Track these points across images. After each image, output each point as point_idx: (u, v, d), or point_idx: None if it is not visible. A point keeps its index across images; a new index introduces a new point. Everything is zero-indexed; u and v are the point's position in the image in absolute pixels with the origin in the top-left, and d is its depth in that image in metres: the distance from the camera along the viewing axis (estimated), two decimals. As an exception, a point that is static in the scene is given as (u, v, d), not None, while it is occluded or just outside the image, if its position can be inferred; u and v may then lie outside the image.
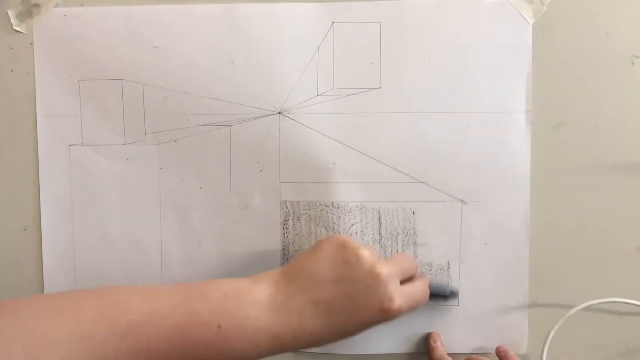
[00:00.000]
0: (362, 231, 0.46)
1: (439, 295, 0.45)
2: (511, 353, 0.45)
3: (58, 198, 0.46)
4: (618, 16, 0.44)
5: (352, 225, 0.46)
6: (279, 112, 0.45)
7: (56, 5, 0.45)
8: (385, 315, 0.36)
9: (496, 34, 0.45)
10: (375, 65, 0.45)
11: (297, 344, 0.36)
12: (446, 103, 0.45)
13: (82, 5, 0.45)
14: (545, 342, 0.43)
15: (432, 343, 0.45)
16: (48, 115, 0.46)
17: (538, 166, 0.45)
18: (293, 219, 0.46)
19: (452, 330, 0.46)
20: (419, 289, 0.40)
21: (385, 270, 0.36)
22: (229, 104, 0.45)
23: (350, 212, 0.46)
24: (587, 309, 0.43)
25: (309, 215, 0.46)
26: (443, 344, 0.46)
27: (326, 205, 0.46)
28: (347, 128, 0.45)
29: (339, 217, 0.46)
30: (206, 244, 0.46)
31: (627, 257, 0.45)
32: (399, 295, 0.36)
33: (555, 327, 0.43)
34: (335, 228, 0.46)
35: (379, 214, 0.46)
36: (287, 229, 0.46)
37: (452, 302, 0.46)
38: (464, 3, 0.44)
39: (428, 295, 0.41)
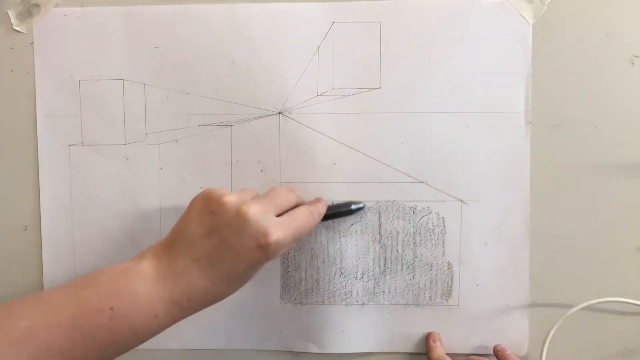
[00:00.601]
0: (362, 230, 0.46)
1: (343, 212, 0.45)
2: (508, 352, 0.45)
3: (58, 198, 0.46)
4: (618, 16, 0.44)
5: (352, 224, 0.46)
6: (280, 112, 0.45)
7: (56, 5, 0.45)
8: (266, 250, 0.36)
9: (496, 34, 0.45)
10: (375, 65, 0.45)
11: (196, 304, 0.36)
12: (446, 103, 0.45)
13: (82, 5, 0.45)
14: (544, 342, 0.43)
15: (431, 343, 0.45)
16: (48, 115, 0.46)
17: (538, 166, 0.45)
18: (293, 219, 0.46)
19: (452, 330, 0.46)
20: (298, 214, 0.39)
21: (253, 208, 0.36)
22: (230, 104, 0.45)
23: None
24: (587, 308, 0.43)
25: (309, 215, 0.46)
26: (442, 344, 0.46)
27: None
28: (347, 128, 0.45)
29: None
30: (206, 244, 0.46)
31: (627, 257, 0.45)
32: (275, 228, 0.36)
33: (555, 327, 0.43)
34: (336, 228, 0.46)
35: (379, 214, 0.46)
36: (287, 229, 0.46)
37: (359, 214, 0.46)
38: (464, 3, 0.44)
39: (314, 218, 0.40)
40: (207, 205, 0.37)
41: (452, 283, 0.46)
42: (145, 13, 0.45)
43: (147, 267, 0.36)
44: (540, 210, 0.45)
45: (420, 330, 0.46)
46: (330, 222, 0.46)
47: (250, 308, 0.47)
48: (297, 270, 0.46)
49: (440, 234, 0.46)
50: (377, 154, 0.46)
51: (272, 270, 0.46)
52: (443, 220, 0.46)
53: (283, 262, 0.46)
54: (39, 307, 0.33)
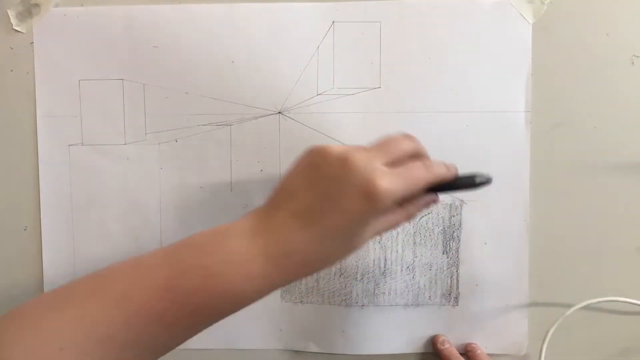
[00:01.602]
0: (362, 231, 0.46)
1: (465, 184, 0.37)
2: (479, 351, 0.45)
3: (58, 198, 0.46)
4: (618, 16, 0.44)
5: (352, 225, 0.46)
6: (279, 112, 0.45)
7: (56, 5, 0.45)
8: (372, 200, 0.31)
9: (496, 34, 0.45)
10: (375, 65, 0.45)
11: (295, 265, 0.33)
12: (446, 103, 0.45)
13: (82, 5, 0.45)
14: (544, 341, 0.43)
15: (440, 346, 0.45)
16: (48, 115, 0.46)
17: (538, 166, 0.45)
18: (293, 219, 0.46)
19: (452, 331, 0.46)
20: (413, 165, 0.34)
21: (358, 155, 0.32)
22: (230, 103, 0.45)
23: (351, 212, 0.46)
24: (586, 308, 0.43)
25: (309, 215, 0.46)
26: (451, 344, 0.45)
27: (326, 205, 0.46)
28: (347, 128, 0.45)
29: (339, 217, 0.46)
30: (206, 243, 0.46)
31: (627, 257, 0.45)
32: (383, 176, 0.31)
33: (554, 327, 0.43)
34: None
35: (379, 214, 0.46)
36: (287, 228, 0.46)
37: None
38: (464, 3, 0.44)
39: (428, 174, 0.34)
40: (311, 157, 0.34)
41: (451, 283, 0.46)
42: (145, 13, 0.45)
43: (244, 223, 0.33)
44: (540, 210, 0.45)
45: (420, 331, 0.46)
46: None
47: (251, 307, 0.47)
48: (297, 270, 0.46)
49: (440, 234, 0.46)
50: (377, 154, 0.46)
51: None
52: (443, 220, 0.46)
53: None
54: (135, 269, 0.32)
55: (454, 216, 0.46)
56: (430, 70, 0.45)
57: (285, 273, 0.33)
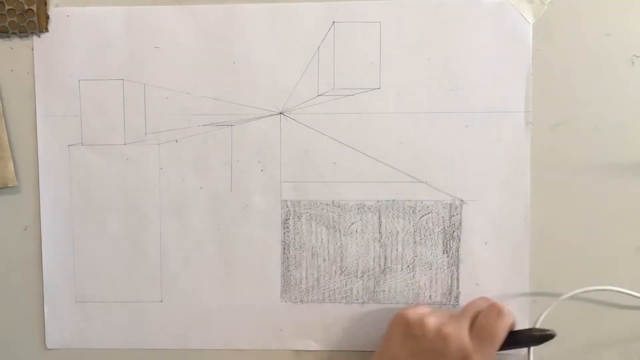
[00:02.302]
0: (362, 230, 0.46)
1: (525, 342, 0.42)
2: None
3: (58, 198, 0.46)
4: (618, 16, 0.44)
5: (352, 224, 0.46)
6: (280, 113, 0.45)
7: (57, 5, 0.45)
8: None
9: (496, 34, 0.45)
10: (375, 65, 0.45)
11: None
12: (446, 103, 0.45)
13: (82, 5, 0.45)
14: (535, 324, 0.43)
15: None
16: (48, 115, 0.46)
17: (538, 166, 0.45)
18: (294, 219, 0.46)
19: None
20: (492, 325, 0.39)
21: (452, 328, 0.38)
22: (230, 104, 0.45)
23: (351, 211, 0.46)
24: (575, 298, 0.44)
25: (310, 215, 0.46)
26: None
27: (327, 205, 0.46)
28: (347, 128, 0.45)
29: (340, 216, 0.46)
30: (206, 244, 0.46)
31: (627, 258, 0.45)
32: (474, 349, 0.37)
33: (545, 313, 0.43)
34: (336, 227, 0.46)
35: (379, 213, 0.46)
36: (288, 228, 0.46)
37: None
38: (464, 3, 0.44)
39: (508, 323, 0.39)
40: (409, 328, 0.39)
41: (452, 282, 0.46)
42: (145, 13, 0.45)
43: None
44: (540, 210, 0.45)
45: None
46: (331, 221, 0.46)
47: (251, 307, 0.47)
48: (297, 268, 0.46)
49: (440, 233, 0.46)
50: (377, 153, 0.46)
51: (272, 269, 0.46)
52: (443, 219, 0.46)
53: (283, 261, 0.46)
54: None
55: (454, 216, 0.46)
56: (430, 70, 0.45)
57: None
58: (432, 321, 0.39)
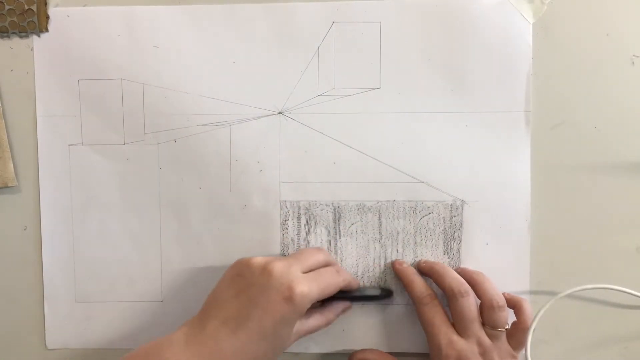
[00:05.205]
0: (362, 230, 0.46)
1: (370, 296, 0.45)
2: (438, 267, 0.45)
3: (58, 198, 0.46)
4: (618, 16, 0.44)
5: (352, 224, 0.46)
6: (280, 112, 0.45)
7: (56, 5, 0.45)
8: (291, 303, 0.36)
9: (496, 34, 0.45)
10: (375, 65, 0.45)
11: None
12: (446, 103, 0.45)
13: (83, 5, 0.46)
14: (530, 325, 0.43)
15: (398, 267, 0.45)
16: (48, 115, 0.46)
17: (538, 166, 0.45)
18: (293, 219, 0.46)
19: (452, 330, 0.46)
20: (323, 271, 0.40)
21: (277, 264, 0.38)
22: (230, 103, 0.45)
23: (350, 211, 0.46)
24: (572, 296, 0.43)
25: (309, 215, 0.46)
26: (408, 264, 0.46)
27: (326, 205, 0.46)
28: (347, 128, 0.45)
29: (339, 216, 0.46)
30: (205, 243, 0.46)
31: (627, 257, 0.45)
32: (300, 281, 0.37)
33: (542, 311, 0.42)
34: (336, 227, 0.46)
35: (379, 213, 0.46)
36: (287, 229, 0.46)
37: (389, 301, 0.46)
38: (464, 3, 0.44)
39: (339, 278, 0.41)
40: (236, 268, 0.40)
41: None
42: (145, 13, 0.45)
43: (178, 335, 0.37)
44: (540, 210, 0.45)
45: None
46: (330, 222, 0.46)
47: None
48: (297, 270, 0.46)
49: (441, 234, 0.46)
50: (377, 154, 0.46)
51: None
52: (443, 220, 0.46)
53: (283, 262, 0.46)
54: None
55: (454, 216, 0.46)
56: (430, 70, 0.45)
57: None
58: (259, 259, 0.39)
